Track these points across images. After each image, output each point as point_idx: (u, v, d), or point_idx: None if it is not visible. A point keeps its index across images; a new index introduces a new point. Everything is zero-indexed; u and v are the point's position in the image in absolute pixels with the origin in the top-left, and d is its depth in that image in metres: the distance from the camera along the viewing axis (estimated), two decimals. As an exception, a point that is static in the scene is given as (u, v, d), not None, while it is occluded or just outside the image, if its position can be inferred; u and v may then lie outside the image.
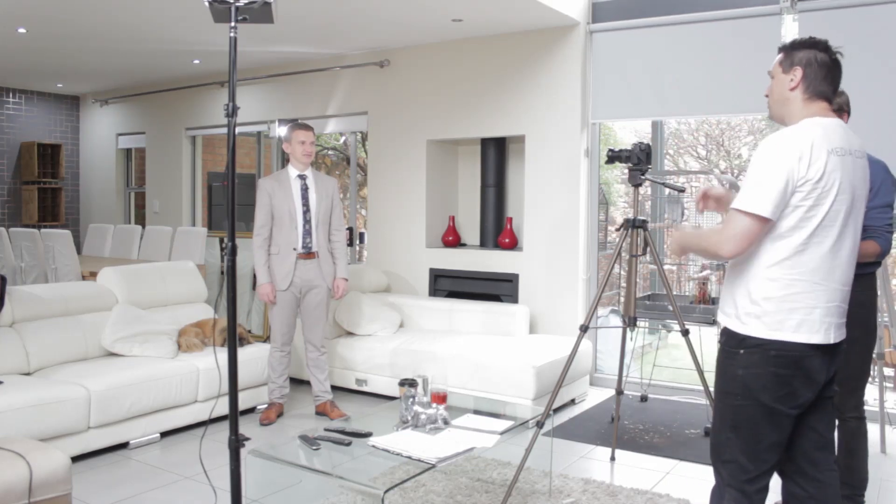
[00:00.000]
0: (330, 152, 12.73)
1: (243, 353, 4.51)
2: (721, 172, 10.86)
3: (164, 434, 4.24)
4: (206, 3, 2.43)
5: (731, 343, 2.15)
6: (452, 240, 6.21)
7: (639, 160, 3.60)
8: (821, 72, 2.13)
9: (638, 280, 3.68)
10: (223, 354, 3.85)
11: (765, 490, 2.18)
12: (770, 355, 2.06)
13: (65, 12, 5.31)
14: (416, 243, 6.24)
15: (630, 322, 3.64)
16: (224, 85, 7.68)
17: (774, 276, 2.07)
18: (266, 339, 5.91)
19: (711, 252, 2.13)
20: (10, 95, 8.93)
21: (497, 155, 6.02)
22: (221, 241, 6.59)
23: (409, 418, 3.08)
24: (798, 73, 2.14)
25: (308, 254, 4.47)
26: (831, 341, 2.08)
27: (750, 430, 2.12)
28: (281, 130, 7.19)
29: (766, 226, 2.05)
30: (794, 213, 2.03)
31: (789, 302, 2.05)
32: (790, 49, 2.19)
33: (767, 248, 2.07)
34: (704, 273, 4.62)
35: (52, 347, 4.19)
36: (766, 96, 2.26)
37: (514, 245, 5.85)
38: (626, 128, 8.95)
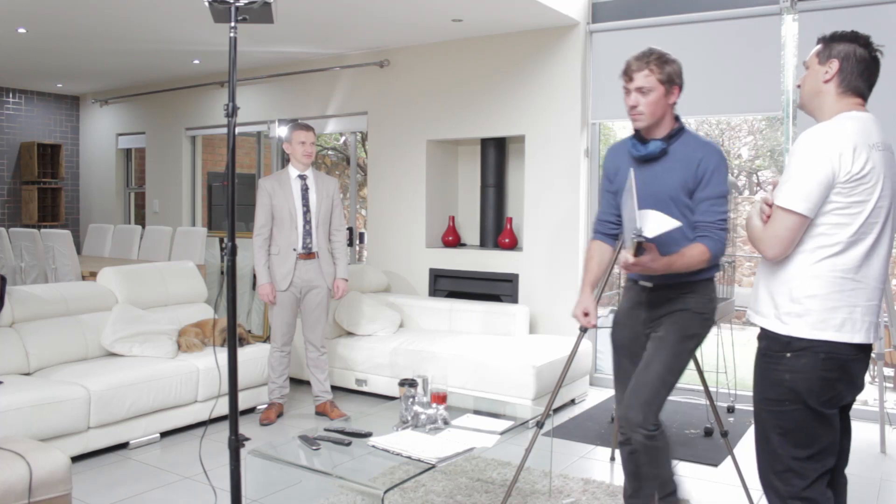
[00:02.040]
0: (330, 152, 12.74)
1: (243, 353, 4.51)
2: (721, 172, 10.84)
3: (164, 434, 4.24)
4: (206, 3, 2.43)
5: (775, 347, 2.07)
6: (452, 240, 6.21)
7: (639, 160, 3.60)
8: (858, 67, 2.07)
9: (638, 280, 3.67)
10: (223, 354, 3.86)
11: (825, 496, 2.07)
12: (819, 358, 2.00)
13: (65, 12, 5.32)
14: (416, 243, 6.24)
15: (630, 322, 3.64)
16: (224, 85, 7.69)
17: (818, 273, 2.01)
18: (266, 339, 5.91)
19: (760, 249, 2.10)
20: (10, 95, 8.93)
21: (497, 155, 6.02)
22: (221, 241, 6.59)
23: (409, 418, 3.08)
24: (834, 65, 2.08)
25: (308, 254, 4.47)
26: (870, 341, 2.04)
27: (802, 434, 2.04)
28: (281, 130, 7.19)
29: (805, 223, 2.00)
30: (839, 210, 1.99)
31: (832, 300, 2.00)
32: (829, 41, 2.11)
33: (811, 245, 2.02)
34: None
35: (52, 347, 4.19)
36: (799, 86, 2.20)
37: (513, 245, 5.85)
38: (626, 128, 8.95)
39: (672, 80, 2.57)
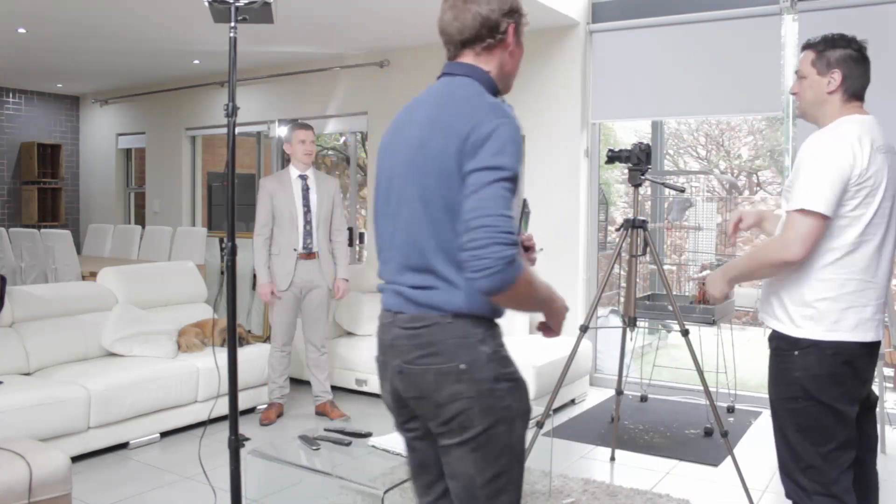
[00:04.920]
0: (330, 152, 12.73)
1: (243, 353, 4.49)
2: (721, 172, 10.87)
3: (164, 434, 4.24)
4: (206, 3, 2.43)
5: (784, 346, 2.11)
6: (452, 240, 6.20)
7: (639, 160, 3.60)
8: (857, 70, 2.11)
9: (638, 280, 3.68)
10: (223, 354, 3.85)
11: (850, 493, 2.10)
12: (827, 354, 2.04)
13: (65, 12, 5.31)
14: (416, 243, 6.23)
15: (630, 322, 3.64)
16: (224, 85, 7.68)
17: (828, 276, 2.04)
18: (266, 339, 5.91)
19: (774, 261, 2.03)
20: (10, 95, 8.93)
21: (497, 155, 6.01)
22: (221, 241, 6.59)
23: (409, 418, 3.08)
24: (837, 75, 2.11)
25: (308, 254, 4.46)
26: (879, 338, 2.10)
27: (818, 431, 2.07)
28: (281, 130, 7.19)
29: (824, 224, 2.01)
30: (846, 212, 2.01)
31: (843, 302, 2.04)
32: (823, 49, 2.13)
33: (819, 248, 2.04)
34: (704, 273, 4.62)
35: (52, 347, 4.19)
36: (794, 94, 2.22)
37: (514, 245, 5.84)
38: (626, 128, 8.96)
39: None
